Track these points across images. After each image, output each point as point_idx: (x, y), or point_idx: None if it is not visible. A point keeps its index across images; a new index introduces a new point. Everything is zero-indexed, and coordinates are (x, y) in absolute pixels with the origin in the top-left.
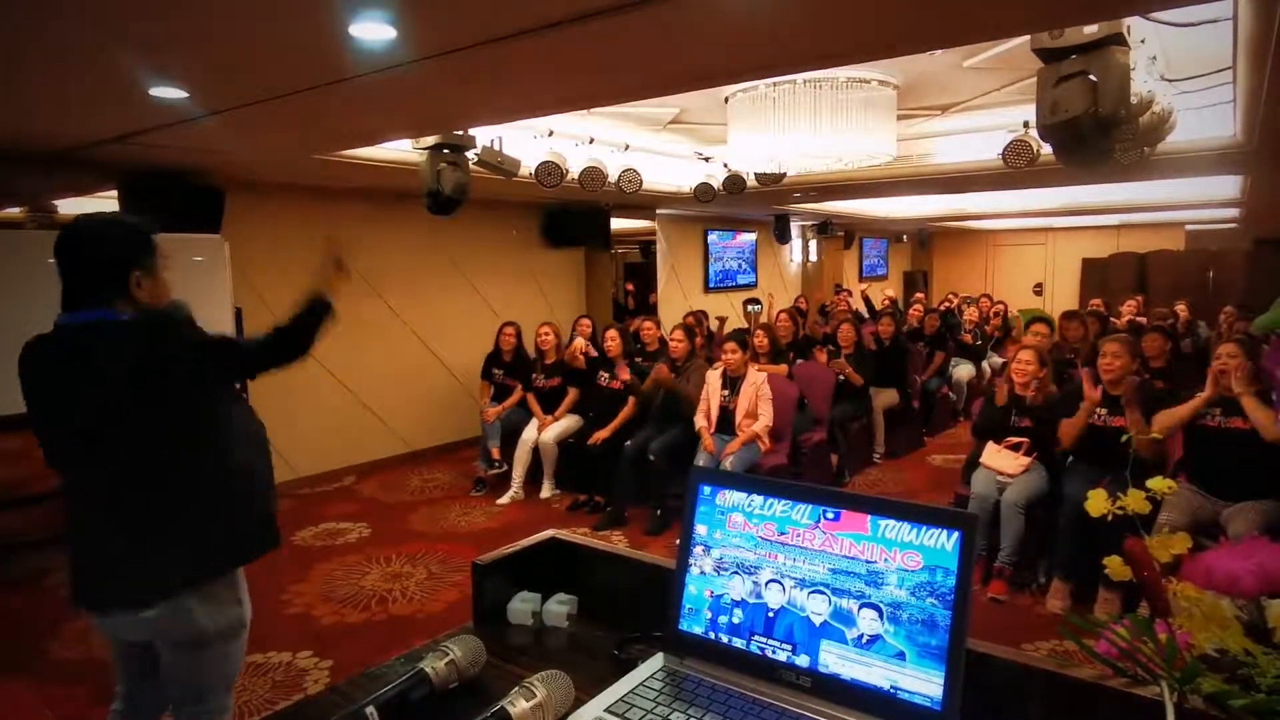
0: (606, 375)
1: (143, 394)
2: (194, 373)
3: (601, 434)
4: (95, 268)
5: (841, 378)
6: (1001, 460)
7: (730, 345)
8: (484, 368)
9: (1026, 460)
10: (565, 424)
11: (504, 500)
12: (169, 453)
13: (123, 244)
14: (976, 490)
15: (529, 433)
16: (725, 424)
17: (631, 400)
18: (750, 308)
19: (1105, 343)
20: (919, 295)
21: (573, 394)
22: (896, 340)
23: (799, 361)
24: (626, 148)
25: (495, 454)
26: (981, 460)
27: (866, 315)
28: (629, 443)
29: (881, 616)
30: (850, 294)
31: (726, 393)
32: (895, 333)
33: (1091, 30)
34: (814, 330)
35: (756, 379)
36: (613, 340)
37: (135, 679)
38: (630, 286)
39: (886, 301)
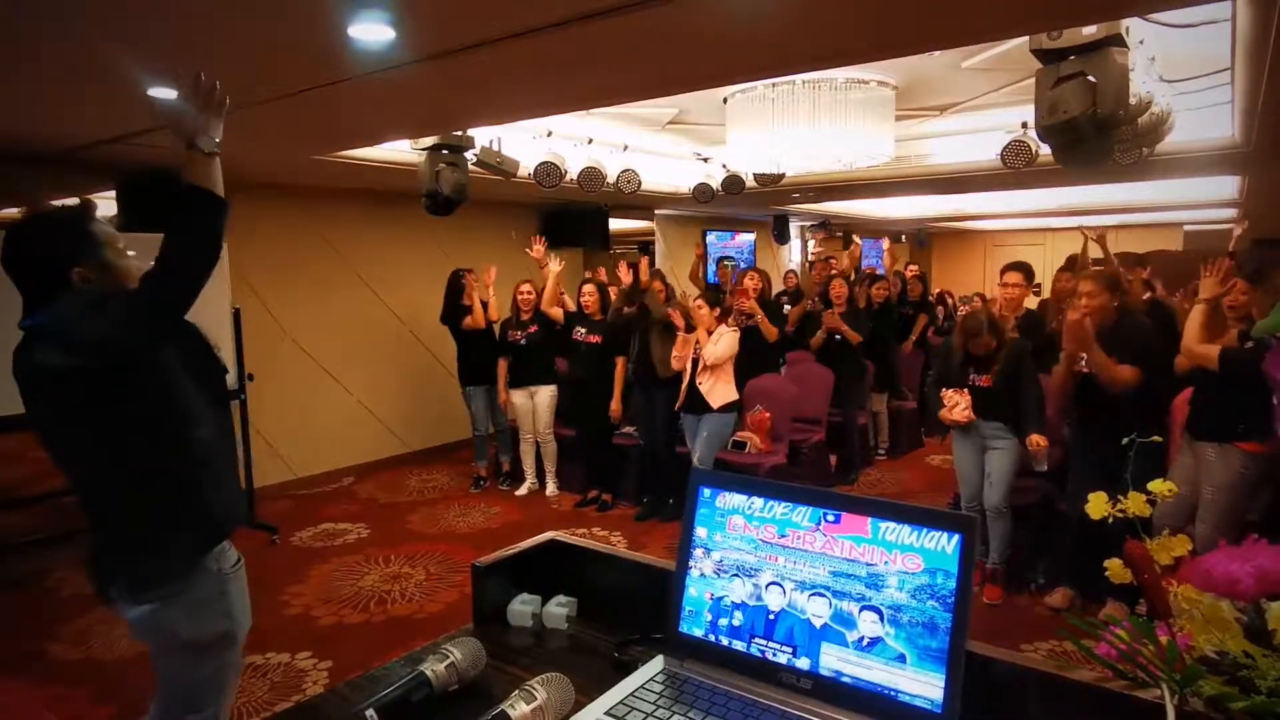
0: (583, 330)
1: (83, 389)
2: (115, 347)
3: (615, 405)
4: (32, 271)
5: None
6: (956, 412)
7: (698, 303)
8: (445, 315)
9: (968, 405)
10: (550, 390)
11: (521, 491)
12: (127, 449)
13: (54, 243)
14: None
15: (525, 429)
16: (695, 397)
17: (620, 361)
18: (729, 263)
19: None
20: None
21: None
22: (885, 304)
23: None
24: (625, 148)
25: (483, 472)
26: (940, 415)
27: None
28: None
29: (882, 619)
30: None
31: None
32: (886, 299)
33: (1090, 31)
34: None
35: (722, 331)
36: (590, 296)
37: None
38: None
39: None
